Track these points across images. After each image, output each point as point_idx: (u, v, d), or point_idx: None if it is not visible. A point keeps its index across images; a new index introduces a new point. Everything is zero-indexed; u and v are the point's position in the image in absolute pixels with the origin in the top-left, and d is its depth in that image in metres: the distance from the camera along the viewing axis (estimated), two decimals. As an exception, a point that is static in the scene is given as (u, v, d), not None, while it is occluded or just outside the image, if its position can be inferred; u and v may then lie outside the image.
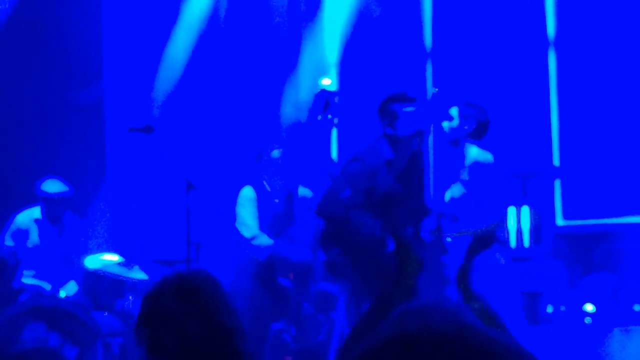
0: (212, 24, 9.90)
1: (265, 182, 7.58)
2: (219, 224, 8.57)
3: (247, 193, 7.52)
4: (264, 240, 7.38)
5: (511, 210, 8.39)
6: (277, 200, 7.58)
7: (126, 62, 9.83)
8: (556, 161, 9.24)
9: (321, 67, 9.91)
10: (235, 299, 3.18)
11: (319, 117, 6.95)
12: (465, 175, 6.96)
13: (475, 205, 6.88)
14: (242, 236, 7.42)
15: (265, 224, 7.45)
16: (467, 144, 7.07)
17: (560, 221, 9.09)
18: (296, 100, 9.82)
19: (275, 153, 7.56)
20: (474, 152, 7.05)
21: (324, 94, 7.04)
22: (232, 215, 7.60)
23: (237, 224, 7.47)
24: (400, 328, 1.60)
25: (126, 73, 9.83)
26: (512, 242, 7.89)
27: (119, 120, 9.51)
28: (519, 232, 8.24)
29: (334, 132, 9.72)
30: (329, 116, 7.00)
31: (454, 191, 6.97)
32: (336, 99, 7.02)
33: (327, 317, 7.35)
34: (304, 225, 7.40)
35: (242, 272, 7.37)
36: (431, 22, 9.88)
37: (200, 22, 9.88)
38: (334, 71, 10.01)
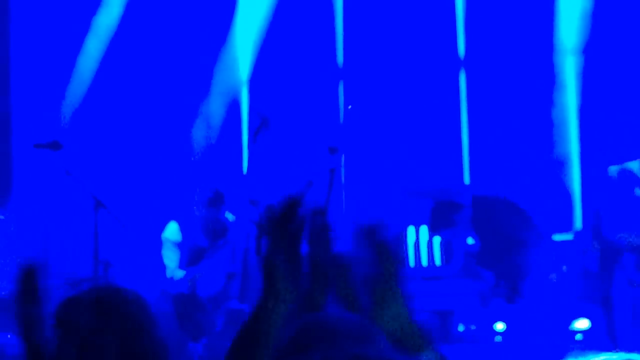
0: (123, 37, 9.76)
1: (191, 221, 7.55)
2: (130, 243, 8.45)
3: (170, 233, 7.52)
4: (178, 275, 7.41)
5: (422, 229, 8.42)
6: (202, 240, 7.56)
7: (34, 75, 9.64)
8: (466, 179, 9.31)
9: (233, 85, 9.85)
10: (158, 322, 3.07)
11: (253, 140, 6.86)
12: None
13: None
14: (163, 273, 7.48)
15: (188, 261, 7.46)
16: None
17: (471, 240, 9.14)
18: (207, 118, 9.73)
19: (205, 195, 7.51)
20: None
21: (259, 113, 6.94)
22: (145, 236, 7.58)
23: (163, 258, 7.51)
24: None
25: (34, 86, 9.63)
26: (423, 261, 7.92)
27: (27, 135, 9.30)
28: (430, 250, 8.27)
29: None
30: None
31: None
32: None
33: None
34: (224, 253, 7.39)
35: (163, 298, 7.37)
36: (343, 39, 9.88)
37: (111, 35, 9.73)
38: (245, 89, 9.94)
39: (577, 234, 8.18)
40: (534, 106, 9.13)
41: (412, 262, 8.11)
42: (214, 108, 9.74)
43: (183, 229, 7.55)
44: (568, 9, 9.14)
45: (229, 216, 7.60)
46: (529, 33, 9.19)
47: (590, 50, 8.94)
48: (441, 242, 8.03)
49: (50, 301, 3.06)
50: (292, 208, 2.75)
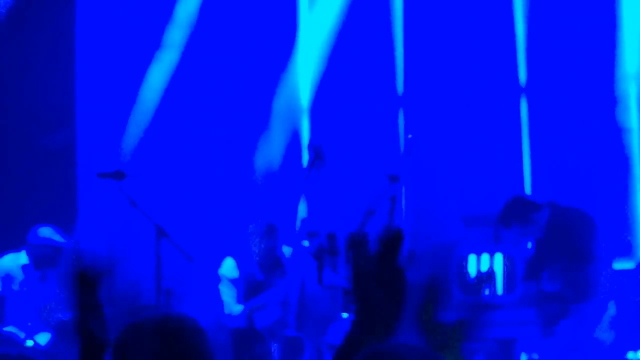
0: (186, 67, 9.88)
1: (249, 256, 7.61)
2: (191, 273, 8.54)
3: (227, 269, 7.60)
4: (236, 309, 7.48)
5: (484, 257, 8.37)
6: (259, 275, 7.61)
7: (99, 104, 9.79)
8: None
9: (294, 113, 9.91)
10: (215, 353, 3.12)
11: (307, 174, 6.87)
12: None
13: None
14: (221, 309, 7.55)
15: (246, 296, 7.53)
16: None
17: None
18: (269, 148, 9.80)
19: (261, 231, 7.57)
20: None
21: (314, 147, 6.94)
22: (205, 268, 7.66)
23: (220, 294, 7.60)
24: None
25: (99, 115, 9.78)
26: (485, 290, 7.87)
27: (91, 164, 9.45)
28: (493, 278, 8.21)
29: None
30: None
31: None
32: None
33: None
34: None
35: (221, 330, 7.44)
36: (403, 67, 9.90)
37: (175, 65, 9.86)
38: (305, 118, 10.00)
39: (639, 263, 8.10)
40: (596, 132, 9.06)
41: (476, 291, 8.05)
42: (275, 137, 9.81)
43: (240, 264, 7.63)
44: (630, 34, 9.09)
45: (286, 250, 7.65)
46: (591, 59, 9.15)
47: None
48: (504, 266, 7.99)
49: (113, 327, 3.11)
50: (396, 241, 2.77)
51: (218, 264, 7.73)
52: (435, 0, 9.72)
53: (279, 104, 9.90)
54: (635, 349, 7.59)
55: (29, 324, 8.09)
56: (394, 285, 3.00)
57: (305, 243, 7.37)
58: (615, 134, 9.04)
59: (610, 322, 7.37)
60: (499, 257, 8.00)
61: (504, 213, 7.53)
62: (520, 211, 7.49)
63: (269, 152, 9.77)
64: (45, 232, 8.22)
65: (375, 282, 2.99)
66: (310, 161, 6.79)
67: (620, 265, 8.52)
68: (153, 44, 9.84)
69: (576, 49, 9.21)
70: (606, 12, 9.14)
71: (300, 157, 9.87)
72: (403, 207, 9.41)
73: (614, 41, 9.10)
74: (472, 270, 8.87)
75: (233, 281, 7.63)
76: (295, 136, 9.90)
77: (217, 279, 7.67)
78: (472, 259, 8.93)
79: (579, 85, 9.18)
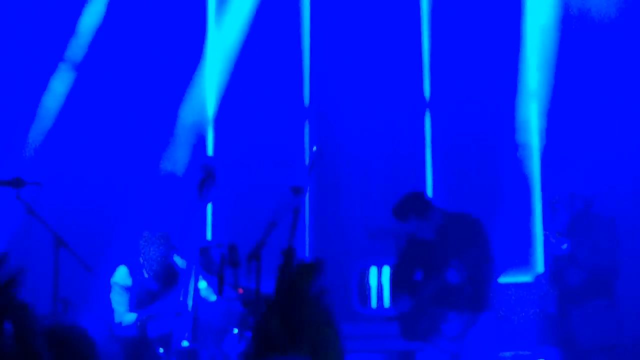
0: (89, 74, 9.78)
1: (141, 264, 7.54)
2: (88, 283, 8.46)
3: (120, 277, 7.53)
4: (128, 318, 7.41)
5: (385, 269, 8.45)
6: (152, 283, 7.55)
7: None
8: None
9: (199, 124, 9.88)
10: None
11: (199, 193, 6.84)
12: None
13: None
14: (112, 317, 7.47)
15: (139, 305, 7.45)
16: None
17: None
18: (174, 158, 9.75)
19: (155, 239, 7.51)
20: None
21: (205, 166, 6.92)
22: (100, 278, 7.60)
23: (111, 302, 7.52)
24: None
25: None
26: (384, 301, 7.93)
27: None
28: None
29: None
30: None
31: None
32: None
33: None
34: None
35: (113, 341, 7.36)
36: (309, 78, 9.94)
37: (77, 73, 9.76)
38: (210, 129, 9.97)
39: (537, 277, 8.22)
40: (498, 148, 9.20)
41: (373, 303, 8.13)
42: (179, 147, 9.75)
43: (133, 272, 7.57)
44: (532, 52, 9.25)
45: (178, 261, 7.60)
46: (493, 75, 9.30)
47: (553, 94, 9.04)
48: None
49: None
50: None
51: (113, 272, 7.66)
52: (342, 11, 9.78)
53: (185, 114, 9.85)
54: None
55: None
56: (288, 302, 2.98)
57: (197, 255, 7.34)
58: (516, 150, 9.19)
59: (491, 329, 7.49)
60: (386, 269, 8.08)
61: (403, 206, 7.57)
62: (420, 206, 7.56)
63: (173, 162, 9.71)
64: None
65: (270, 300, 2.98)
66: (201, 180, 6.78)
67: (519, 278, 8.68)
68: (56, 51, 9.72)
69: (480, 65, 9.35)
70: (510, 29, 9.30)
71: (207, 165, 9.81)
72: (306, 219, 9.44)
73: (517, 59, 9.26)
74: (373, 282, 8.95)
75: (125, 289, 7.56)
76: (200, 146, 9.87)
77: (109, 289, 7.61)
78: (373, 271, 9.01)
79: (482, 100, 9.32)
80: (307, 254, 9.40)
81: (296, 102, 9.87)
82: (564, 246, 7.52)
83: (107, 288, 7.61)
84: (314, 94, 9.90)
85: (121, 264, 7.63)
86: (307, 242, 9.49)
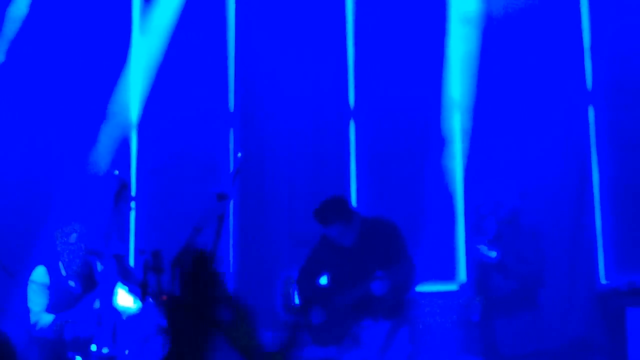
0: (15, 72, 9.65)
1: (60, 264, 7.39)
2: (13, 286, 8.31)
3: (37, 276, 7.36)
4: (45, 320, 7.23)
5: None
6: (72, 284, 7.40)
7: None
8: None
9: (123, 128, 9.78)
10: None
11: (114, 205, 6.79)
12: None
13: None
14: (28, 318, 7.30)
15: (57, 306, 7.29)
16: None
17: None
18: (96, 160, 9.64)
19: (73, 238, 7.36)
20: None
21: (118, 181, 6.87)
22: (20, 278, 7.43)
23: (28, 302, 7.34)
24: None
25: None
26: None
27: None
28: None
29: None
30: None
31: None
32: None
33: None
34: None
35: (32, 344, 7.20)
36: (234, 85, 9.91)
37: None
38: (134, 133, 9.88)
39: (462, 286, 8.32)
40: (420, 156, 9.28)
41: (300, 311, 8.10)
42: (102, 151, 9.65)
43: (51, 271, 7.39)
44: (456, 62, 9.35)
45: (98, 266, 7.48)
46: (417, 85, 9.38)
47: (476, 104, 9.15)
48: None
49: None
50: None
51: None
52: (267, 18, 9.78)
53: (109, 117, 9.75)
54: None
55: None
56: (203, 309, 2.99)
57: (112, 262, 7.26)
58: (440, 158, 9.27)
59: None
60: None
61: (327, 209, 7.52)
62: (344, 210, 7.51)
63: (96, 165, 9.60)
64: None
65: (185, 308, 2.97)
66: (117, 192, 6.72)
67: (443, 287, 8.76)
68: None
69: (404, 74, 9.43)
70: (433, 39, 9.39)
71: (128, 172, 9.74)
72: (231, 225, 9.41)
73: (441, 68, 9.35)
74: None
75: (43, 288, 7.36)
76: (124, 151, 9.77)
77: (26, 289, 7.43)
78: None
79: (406, 109, 9.39)
80: (231, 261, 9.36)
81: (221, 108, 9.83)
82: (493, 254, 7.60)
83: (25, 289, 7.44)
84: (239, 99, 9.86)
85: (39, 263, 7.45)
86: (231, 249, 9.46)
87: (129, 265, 7.03)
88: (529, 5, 9.10)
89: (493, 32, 9.16)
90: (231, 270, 9.32)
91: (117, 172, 6.98)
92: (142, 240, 9.30)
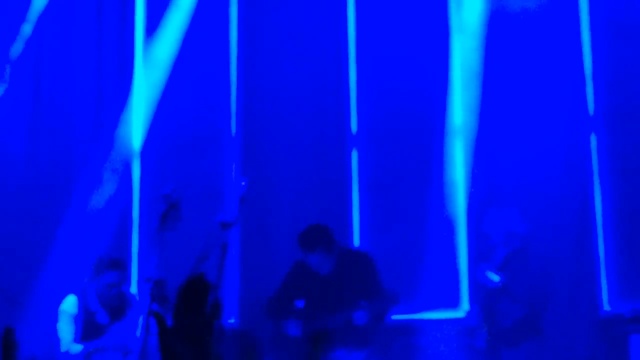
0: (20, 97, 9.70)
1: (91, 295, 7.43)
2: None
3: (68, 307, 7.42)
4: (75, 349, 7.29)
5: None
6: (100, 314, 7.43)
7: None
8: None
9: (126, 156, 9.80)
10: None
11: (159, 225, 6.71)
12: None
13: None
14: (58, 347, 7.36)
15: (85, 336, 7.34)
16: None
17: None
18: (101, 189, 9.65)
19: (107, 278, 7.40)
20: None
21: (167, 197, 6.79)
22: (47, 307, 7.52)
23: (58, 331, 7.40)
24: None
25: None
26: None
27: None
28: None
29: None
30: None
31: None
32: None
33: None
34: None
35: None
36: (235, 110, 9.92)
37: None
38: (137, 161, 9.89)
39: (468, 312, 8.32)
40: (425, 185, 9.28)
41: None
42: (106, 178, 9.65)
43: (81, 302, 7.43)
44: (458, 89, 9.38)
45: (130, 292, 7.54)
46: (419, 111, 9.40)
47: (479, 133, 9.17)
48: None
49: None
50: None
51: (59, 301, 7.56)
52: (271, 47, 9.81)
53: (112, 146, 9.76)
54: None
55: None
56: (197, 334, 2.99)
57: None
58: (442, 186, 9.28)
59: None
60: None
61: (311, 237, 7.65)
62: (328, 239, 7.67)
63: (101, 193, 9.61)
64: None
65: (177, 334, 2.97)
66: (164, 211, 6.66)
67: (449, 314, 8.76)
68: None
69: (405, 101, 9.45)
70: (436, 66, 9.42)
71: (130, 199, 9.74)
72: (235, 254, 9.40)
73: (444, 96, 9.38)
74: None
75: (73, 318, 7.42)
76: (126, 179, 9.78)
77: (56, 317, 7.49)
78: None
79: (408, 136, 9.40)
80: (237, 289, 9.36)
81: (224, 135, 9.84)
82: (497, 279, 7.62)
83: (53, 317, 7.49)
84: (241, 126, 9.87)
85: (71, 292, 7.51)
86: (235, 277, 9.45)
87: (168, 291, 7.01)
88: (529, 32, 9.13)
89: (494, 60, 9.18)
90: (236, 299, 9.31)
91: (169, 191, 6.82)
92: (146, 268, 9.29)
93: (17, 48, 9.81)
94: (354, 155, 9.63)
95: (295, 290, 7.85)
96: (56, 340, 7.44)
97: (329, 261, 7.68)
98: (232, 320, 9.05)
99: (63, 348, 7.43)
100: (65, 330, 7.45)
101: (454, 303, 8.94)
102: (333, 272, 7.68)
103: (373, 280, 7.63)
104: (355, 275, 7.61)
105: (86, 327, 7.43)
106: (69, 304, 7.49)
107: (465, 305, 8.90)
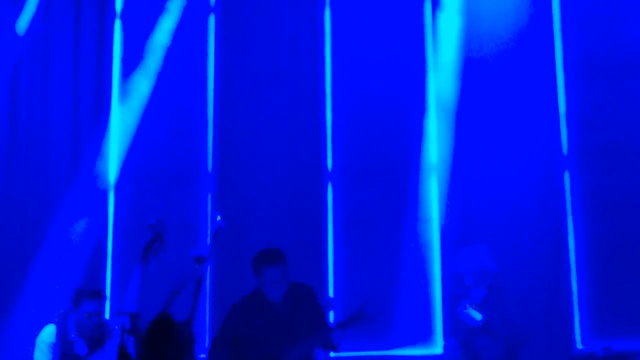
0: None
1: (70, 325, 7.38)
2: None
3: (47, 336, 7.35)
4: None
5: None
6: (78, 345, 7.38)
7: None
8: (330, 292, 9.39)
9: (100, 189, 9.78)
10: None
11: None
12: None
13: None
14: None
15: None
16: None
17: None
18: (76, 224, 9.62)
19: (88, 309, 7.36)
20: None
21: (153, 227, 6.75)
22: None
23: None
24: None
25: None
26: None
27: None
28: None
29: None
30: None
31: None
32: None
33: None
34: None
35: None
36: (212, 144, 9.93)
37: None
38: (111, 194, 9.88)
39: (444, 347, 8.33)
40: (397, 221, 9.31)
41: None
42: (80, 211, 9.64)
43: (60, 332, 7.37)
44: (433, 126, 9.44)
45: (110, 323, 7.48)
46: (394, 148, 9.44)
47: (453, 172, 9.22)
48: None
49: None
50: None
51: (35, 331, 7.51)
52: (249, 82, 9.85)
53: (85, 180, 9.76)
54: None
55: None
56: None
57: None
58: (418, 223, 9.31)
59: None
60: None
61: (271, 251, 7.58)
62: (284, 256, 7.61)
63: (77, 228, 9.59)
64: None
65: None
66: (149, 241, 6.63)
67: (426, 351, 8.76)
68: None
69: (381, 138, 9.48)
70: (412, 103, 9.47)
71: (105, 234, 9.72)
72: (208, 289, 9.38)
73: (420, 132, 9.42)
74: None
75: (51, 348, 7.34)
76: (102, 211, 9.76)
77: (33, 347, 7.43)
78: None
79: (383, 173, 9.44)
80: (208, 324, 9.33)
81: (201, 169, 9.85)
82: (479, 317, 7.64)
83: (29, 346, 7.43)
84: (217, 162, 9.88)
85: (50, 322, 7.45)
86: (207, 313, 9.42)
87: (141, 325, 6.98)
88: (505, 71, 9.21)
89: (470, 99, 9.25)
90: (209, 334, 9.28)
91: (155, 222, 6.80)
92: (119, 302, 9.25)
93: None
94: (329, 191, 9.65)
95: (245, 327, 7.65)
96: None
97: (284, 283, 7.55)
98: (203, 356, 9.01)
99: None
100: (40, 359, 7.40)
101: (428, 339, 8.94)
102: (284, 301, 7.58)
103: (322, 313, 7.60)
104: (305, 306, 7.54)
105: (63, 358, 7.36)
106: (47, 333, 7.42)
107: (439, 341, 8.90)
